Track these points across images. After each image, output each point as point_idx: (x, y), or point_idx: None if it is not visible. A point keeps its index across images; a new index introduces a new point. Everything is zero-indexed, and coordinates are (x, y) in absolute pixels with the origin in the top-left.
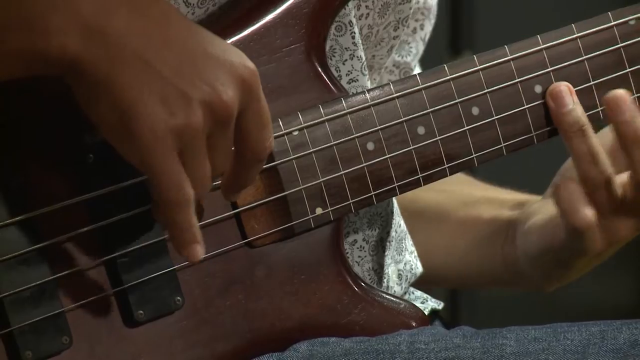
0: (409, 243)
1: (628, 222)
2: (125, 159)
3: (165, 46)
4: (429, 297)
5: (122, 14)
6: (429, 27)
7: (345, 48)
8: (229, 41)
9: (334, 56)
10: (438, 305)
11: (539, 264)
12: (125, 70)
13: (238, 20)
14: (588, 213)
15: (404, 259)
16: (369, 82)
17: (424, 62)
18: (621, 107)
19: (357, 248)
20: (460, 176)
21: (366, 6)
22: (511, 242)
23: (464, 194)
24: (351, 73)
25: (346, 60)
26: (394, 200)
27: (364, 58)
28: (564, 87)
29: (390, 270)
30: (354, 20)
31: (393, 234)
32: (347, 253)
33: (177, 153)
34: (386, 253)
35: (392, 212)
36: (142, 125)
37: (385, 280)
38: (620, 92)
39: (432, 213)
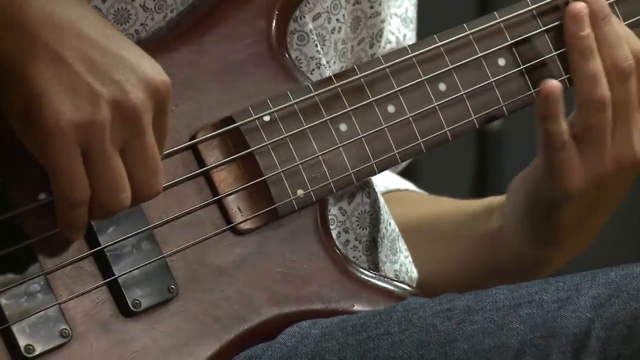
0: (402, 246)
1: (608, 155)
2: (29, 150)
3: (79, 42)
4: None
5: (36, 5)
6: None
7: (311, 57)
8: (195, 41)
9: (300, 67)
10: None
11: (525, 221)
12: (36, 61)
13: (200, 21)
14: (563, 123)
15: (399, 260)
16: None
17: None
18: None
19: (351, 248)
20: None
21: (337, 19)
22: (498, 216)
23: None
24: None
25: (313, 69)
26: (381, 199)
27: (330, 65)
28: (585, 9)
29: (387, 268)
30: (312, 27)
31: (384, 231)
32: (340, 249)
33: (82, 153)
34: (379, 250)
35: (380, 209)
36: (45, 117)
37: None
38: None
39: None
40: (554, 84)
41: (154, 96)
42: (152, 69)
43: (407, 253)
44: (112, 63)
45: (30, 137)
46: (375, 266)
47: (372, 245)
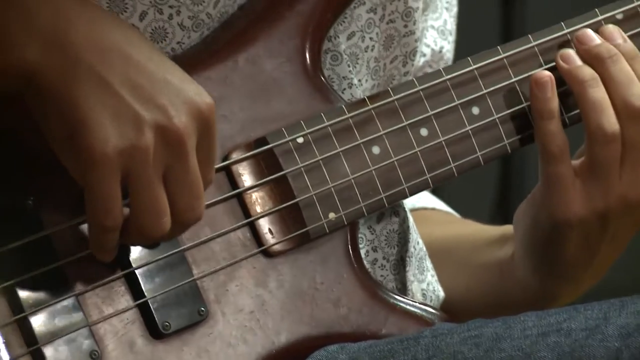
0: (429, 265)
1: (614, 192)
2: (70, 173)
3: (125, 66)
4: None
5: (80, 28)
6: None
7: (343, 77)
8: (229, 59)
9: (332, 86)
10: None
11: (528, 251)
12: (80, 85)
13: (234, 39)
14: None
15: (427, 279)
16: None
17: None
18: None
19: (379, 267)
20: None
21: (370, 38)
22: (510, 245)
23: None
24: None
25: (345, 89)
26: (410, 217)
27: (362, 84)
28: (572, 51)
29: (414, 287)
30: (345, 46)
31: (412, 250)
32: (370, 272)
33: (123, 177)
34: (407, 269)
35: (409, 229)
36: (90, 143)
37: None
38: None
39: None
40: (543, 72)
41: (197, 120)
42: (195, 92)
43: (433, 272)
44: (157, 87)
45: (73, 161)
46: (402, 285)
47: (400, 264)
